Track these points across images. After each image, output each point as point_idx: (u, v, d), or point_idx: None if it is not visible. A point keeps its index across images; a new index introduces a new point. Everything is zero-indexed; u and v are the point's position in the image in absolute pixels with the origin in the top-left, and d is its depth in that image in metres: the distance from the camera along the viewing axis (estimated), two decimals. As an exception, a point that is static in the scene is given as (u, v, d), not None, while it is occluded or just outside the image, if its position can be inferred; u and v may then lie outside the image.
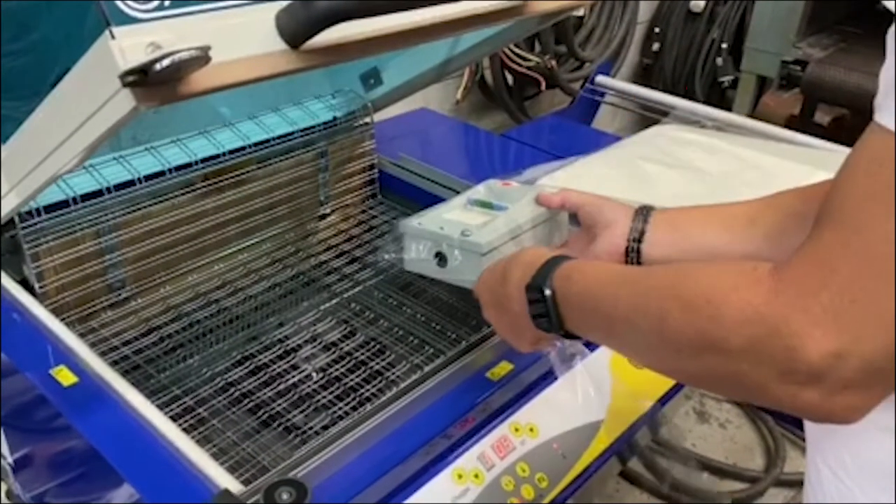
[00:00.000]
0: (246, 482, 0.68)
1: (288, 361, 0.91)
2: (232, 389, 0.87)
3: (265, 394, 0.86)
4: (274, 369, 0.90)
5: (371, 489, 0.72)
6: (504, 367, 0.86)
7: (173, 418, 0.80)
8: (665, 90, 1.94)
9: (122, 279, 0.98)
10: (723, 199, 1.13)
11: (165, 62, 0.51)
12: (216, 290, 1.04)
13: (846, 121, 2.65)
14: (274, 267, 1.09)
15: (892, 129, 0.42)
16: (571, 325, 0.64)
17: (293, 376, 0.89)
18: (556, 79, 2.02)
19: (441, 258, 0.89)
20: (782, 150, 1.32)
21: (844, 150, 1.33)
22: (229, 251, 1.08)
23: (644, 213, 0.81)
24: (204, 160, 1.01)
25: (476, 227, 0.88)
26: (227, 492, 0.66)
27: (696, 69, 2.60)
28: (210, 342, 0.95)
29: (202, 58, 0.53)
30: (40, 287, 0.90)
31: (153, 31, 0.54)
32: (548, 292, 0.64)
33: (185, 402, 0.84)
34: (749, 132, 1.42)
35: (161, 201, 0.98)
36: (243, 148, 1.05)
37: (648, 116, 1.55)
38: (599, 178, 1.19)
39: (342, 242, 1.16)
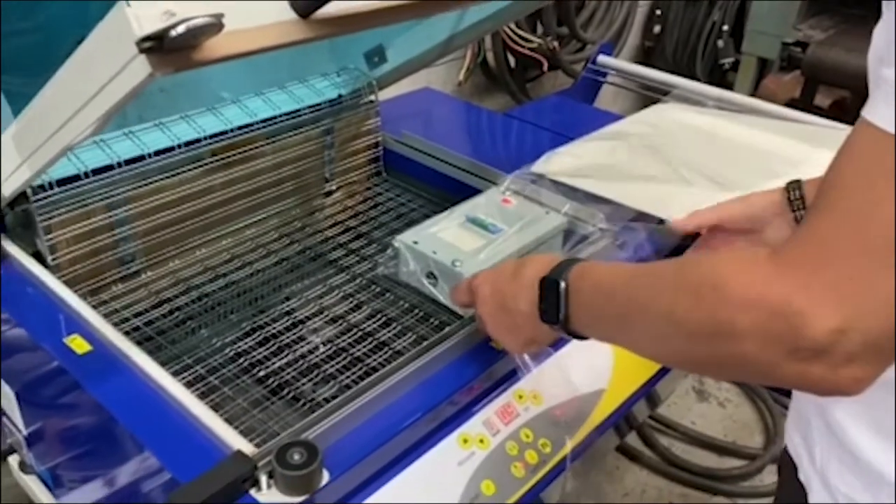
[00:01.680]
0: (258, 445, 0.70)
1: (295, 333, 0.93)
2: (241, 359, 0.88)
3: (273, 363, 0.88)
4: (282, 340, 0.91)
5: (379, 452, 0.74)
6: (508, 337, 0.87)
7: (185, 386, 0.82)
8: (666, 72, 1.95)
9: (132, 253, 1.00)
10: (725, 178, 1.16)
11: (180, 28, 0.53)
12: (224, 264, 1.06)
13: (846, 103, 2.66)
14: (281, 242, 1.11)
15: (877, 124, 0.44)
16: (578, 322, 0.66)
17: (301, 347, 0.91)
18: (557, 60, 2.03)
19: (433, 278, 0.93)
20: (784, 129, 1.33)
21: (846, 129, 1.34)
22: (237, 226, 1.10)
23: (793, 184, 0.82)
24: (212, 136, 1.02)
25: (467, 256, 0.92)
26: (239, 453, 0.67)
27: (697, 51, 2.61)
28: (219, 314, 0.97)
29: (216, 25, 0.54)
30: (53, 259, 0.92)
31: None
32: (562, 285, 0.65)
33: (196, 371, 0.86)
34: (750, 110, 1.43)
35: (171, 176, 1.00)
36: (251, 124, 1.07)
37: (650, 96, 1.56)
38: (598, 158, 1.21)
39: (348, 219, 1.18)
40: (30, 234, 0.92)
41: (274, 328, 0.93)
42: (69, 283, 0.92)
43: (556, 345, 0.88)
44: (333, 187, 1.22)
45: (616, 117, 1.41)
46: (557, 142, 1.26)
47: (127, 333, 0.91)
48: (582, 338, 0.69)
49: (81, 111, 0.63)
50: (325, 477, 0.68)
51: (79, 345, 0.82)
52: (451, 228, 0.99)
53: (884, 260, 0.43)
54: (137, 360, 0.78)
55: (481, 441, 0.80)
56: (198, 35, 0.54)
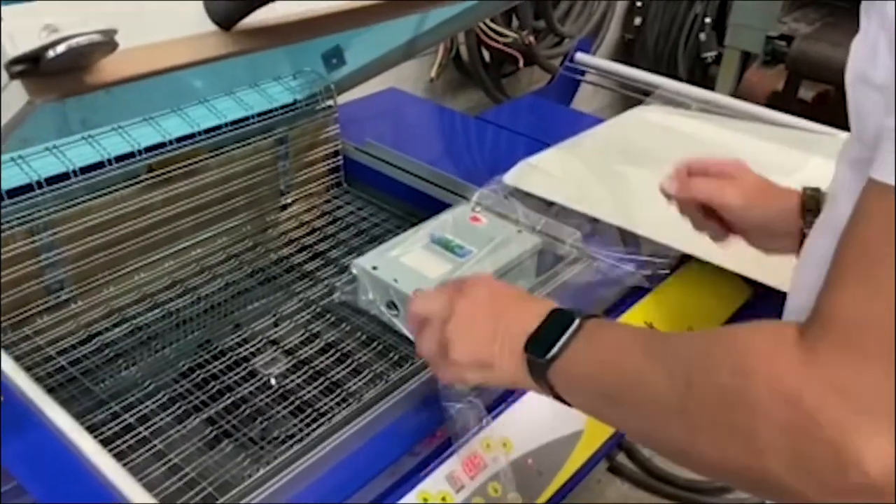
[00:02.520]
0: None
1: (240, 371, 0.84)
2: (177, 404, 0.79)
3: (212, 408, 0.79)
4: (224, 381, 0.82)
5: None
6: (474, 378, 0.79)
7: (111, 438, 0.73)
8: (647, 67, 1.87)
9: (60, 280, 0.90)
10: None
11: (60, 48, 0.43)
12: (165, 290, 0.96)
13: (829, 96, 2.60)
14: (229, 264, 1.01)
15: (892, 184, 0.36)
16: (566, 372, 0.55)
17: (246, 388, 0.81)
18: (534, 55, 1.94)
19: (394, 308, 0.85)
20: (773, 134, 1.26)
21: (837, 134, 1.25)
22: (180, 247, 1.00)
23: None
24: (148, 149, 0.92)
25: (431, 285, 0.80)
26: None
27: (679, 45, 2.53)
28: (156, 350, 0.87)
29: (107, 43, 0.45)
30: (-34, 292, 0.82)
31: (51, 10, 0.46)
32: (577, 321, 0.55)
33: (124, 420, 0.76)
34: (735, 113, 1.35)
35: (102, 195, 0.90)
36: (193, 135, 0.97)
37: (630, 96, 1.48)
38: (576, 168, 1.12)
39: (304, 236, 1.08)
40: (-63, 264, 0.82)
41: (217, 366, 0.84)
42: (-14, 318, 0.82)
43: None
44: (289, 201, 1.13)
45: (595, 120, 1.33)
46: (533, 148, 1.18)
47: (49, 375, 0.82)
48: (551, 394, 0.57)
49: None
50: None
51: (-13, 394, 0.72)
52: (414, 251, 0.90)
53: None
54: (50, 413, 0.69)
55: (443, 499, 0.71)
56: (86, 55, 0.45)
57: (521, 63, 1.92)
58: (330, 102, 1.12)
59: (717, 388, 0.41)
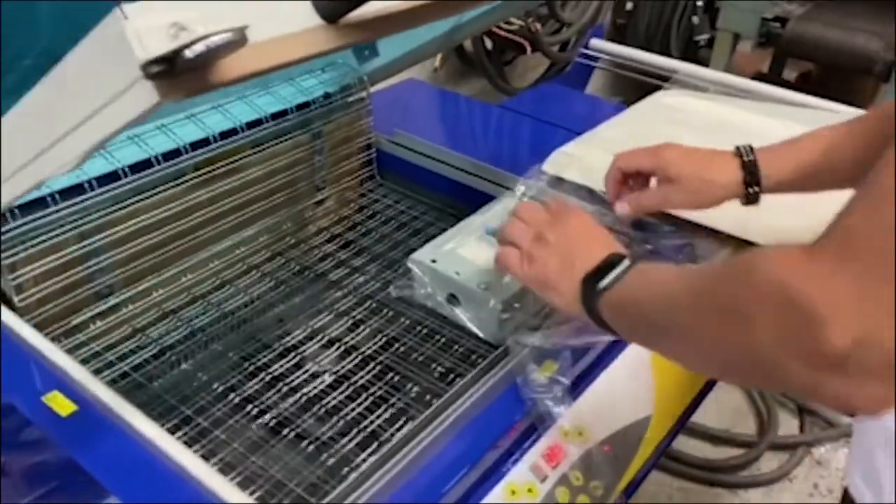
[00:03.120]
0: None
1: (310, 369, 0.83)
2: (250, 405, 0.78)
3: (286, 409, 0.78)
4: (292, 380, 0.81)
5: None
6: (549, 367, 0.79)
7: (186, 443, 0.71)
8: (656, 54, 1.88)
9: (110, 285, 0.88)
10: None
11: (198, 48, 0.42)
12: (215, 290, 0.94)
13: (812, 76, 2.64)
14: (275, 262, 1.00)
15: None
16: (611, 314, 0.66)
17: (315, 386, 0.80)
18: (539, 43, 1.93)
19: (454, 300, 0.84)
20: (796, 115, 1.27)
21: (853, 112, 1.28)
22: (224, 246, 0.98)
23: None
24: (193, 145, 0.91)
25: (494, 277, 0.83)
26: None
27: (672, 28, 2.54)
28: (218, 352, 0.86)
29: (239, 42, 0.44)
30: (20, 300, 0.80)
31: (172, 8, 0.44)
32: (626, 261, 0.67)
33: (198, 424, 0.75)
34: (754, 95, 1.36)
35: (149, 196, 0.88)
36: (235, 131, 0.95)
37: (646, 81, 1.49)
38: (611, 155, 1.12)
39: (345, 231, 1.07)
40: (-12, 273, 0.80)
41: (282, 365, 0.83)
42: (39, 326, 0.80)
43: (595, 373, 0.80)
44: (325, 196, 1.11)
45: (615, 106, 1.33)
46: (560, 135, 1.18)
47: (113, 382, 0.80)
48: (598, 322, 0.67)
49: (62, 142, 0.51)
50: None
51: (61, 404, 0.70)
52: (469, 243, 0.89)
53: None
54: (133, 422, 0.67)
55: (530, 490, 0.71)
56: (216, 54, 0.44)
57: (528, 50, 1.92)
58: (363, 94, 1.11)
59: (727, 280, 0.49)
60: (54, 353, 0.73)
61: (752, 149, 0.83)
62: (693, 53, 2.59)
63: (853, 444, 0.67)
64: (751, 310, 0.44)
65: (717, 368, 0.57)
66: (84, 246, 0.84)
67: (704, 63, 2.49)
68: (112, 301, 0.89)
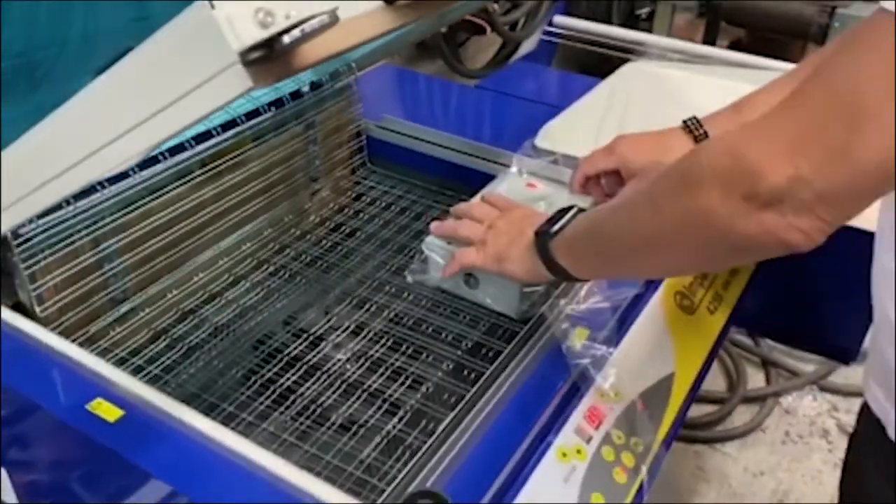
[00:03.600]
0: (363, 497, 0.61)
1: (343, 356, 0.83)
2: (290, 395, 0.78)
3: (329, 396, 0.78)
4: (329, 367, 0.81)
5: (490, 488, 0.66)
6: (582, 334, 0.81)
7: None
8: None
9: (124, 289, 0.86)
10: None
11: (295, 33, 0.42)
12: (230, 287, 0.93)
13: (742, 43, 2.74)
14: (285, 255, 0.99)
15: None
16: (566, 252, 0.70)
17: (353, 372, 0.81)
18: (495, 23, 1.95)
19: (472, 280, 0.85)
20: (756, 77, 1.32)
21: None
22: (232, 242, 0.97)
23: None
24: (195, 138, 0.89)
25: None
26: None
27: (613, 2, 2.59)
28: (242, 344, 0.85)
29: (330, 25, 0.44)
30: (41, 311, 0.77)
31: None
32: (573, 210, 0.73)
33: (244, 420, 0.75)
34: (718, 62, 1.42)
35: (159, 196, 0.86)
36: (234, 122, 0.94)
37: (608, 55, 1.52)
38: (599, 126, 1.15)
39: (348, 220, 1.07)
40: (7, 284, 0.77)
41: (315, 355, 0.83)
42: (62, 336, 0.78)
43: (620, 335, 0.83)
44: (321, 186, 1.11)
45: (590, 81, 1.36)
46: (542, 111, 1.20)
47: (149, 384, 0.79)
48: (554, 269, 0.72)
49: (131, 133, 0.50)
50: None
51: (107, 410, 0.69)
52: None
53: (852, 118, 0.44)
54: (186, 419, 0.67)
55: (578, 452, 0.74)
56: (307, 38, 0.44)
57: (488, 31, 1.93)
58: (351, 81, 1.11)
59: (678, 166, 0.54)
60: (93, 361, 0.71)
61: (699, 122, 0.85)
62: (634, 26, 2.65)
63: (868, 365, 0.70)
64: (700, 174, 0.50)
65: (679, 253, 0.59)
66: (99, 251, 0.82)
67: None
68: (128, 305, 0.87)
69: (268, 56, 0.42)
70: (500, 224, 0.79)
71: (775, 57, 1.49)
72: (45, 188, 0.58)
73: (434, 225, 0.84)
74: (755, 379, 2.06)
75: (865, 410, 0.70)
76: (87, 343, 0.82)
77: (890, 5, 0.44)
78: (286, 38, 0.42)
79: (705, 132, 0.84)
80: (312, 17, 0.42)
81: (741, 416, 1.97)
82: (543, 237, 0.72)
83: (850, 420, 1.91)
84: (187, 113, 0.46)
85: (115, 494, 0.71)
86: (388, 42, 1.10)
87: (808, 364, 2.04)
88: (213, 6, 0.42)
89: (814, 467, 1.81)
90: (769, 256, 0.51)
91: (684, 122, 0.86)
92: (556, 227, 0.72)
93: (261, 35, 0.42)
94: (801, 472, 1.81)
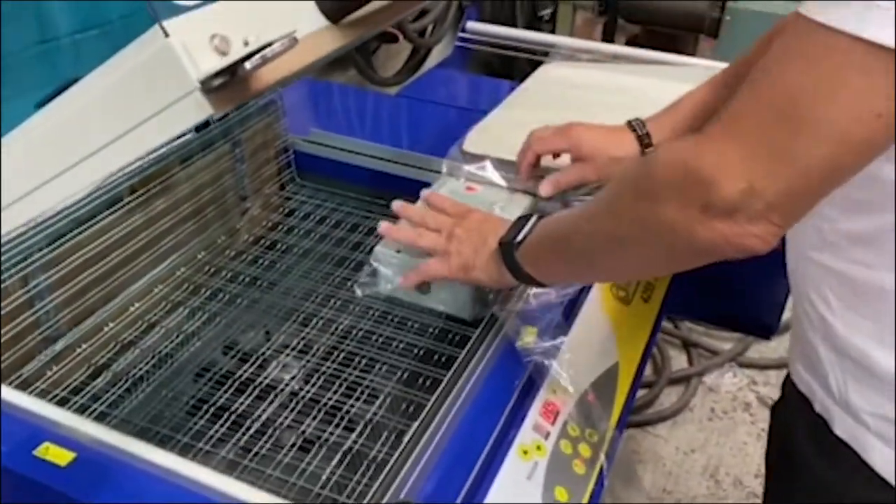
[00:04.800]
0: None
1: (297, 374, 0.82)
2: (245, 421, 0.77)
3: (289, 417, 0.77)
4: (281, 388, 0.80)
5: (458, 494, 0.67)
6: (531, 332, 0.83)
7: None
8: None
9: (58, 326, 0.83)
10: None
11: (256, 59, 0.42)
12: (168, 314, 0.91)
13: (639, 40, 2.85)
14: (221, 276, 0.97)
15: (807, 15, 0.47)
16: (532, 259, 0.72)
17: (306, 390, 0.80)
18: (406, 30, 1.96)
19: (424, 286, 0.85)
20: (660, 72, 1.38)
21: (698, 62, 1.42)
22: (166, 269, 0.95)
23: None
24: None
25: None
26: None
27: (516, 4, 2.64)
28: (187, 372, 0.83)
29: (290, 48, 0.44)
30: (-28, 357, 0.74)
31: (206, 19, 0.44)
32: (534, 218, 0.75)
33: (202, 449, 0.73)
34: (627, 59, 1.47)
35: (89, 227, 0.83)
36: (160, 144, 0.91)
37: (522, 58, 1.56)
38: (524, 127, 1.18)
39: (283, 237, 1.06)
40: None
41: (265, 377, 0.82)
42: (-4, 381, 0.74)
43: (565, 330, 0.86)
44: (251, 204, 1.09)
45: (509, 84, 1.39)
46: (466, 116, 1.21)
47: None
48: (521, 275, 0.74)
49: (87, 161, 0.48)
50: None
51: (57, 454, 0.66)
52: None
53: (791, 127, 0.47)
54: (142, 454, 0.65)
55: (538, 448, 0.76)
56: (267, 62, 0.44)
57: (399, 38, 1.94)
58: (275, 96, 1.10)
59: (632, 177, 0.57)
60: (36, 405, 0.68)
61: (643, 122, 0.90)
62: (537, 27, 2.71)
63: (792, 346, 0.73)
64: (656, 187, 0.53)
65: (644, 258, 0.62)
66: (29, 290, 0.78)
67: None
68: (64, 342, 0.83)
69: (227, 83, 0.42)
70: (459, 233, 0.80)
71: (671, 51, 1.57)
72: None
73: (384, 227, 0.84)
74: (678, 360, 2.15)
75: (790, 384, 0.74)
76: (23, 386, 0.78)
77: (807, 7, 0.47)
78: (248, 65, 0.41)
79: (648, 133, 0.89)
80: (273, 42, 0.42)
81: (668, 397, 2.05)
82: (508, 247, 0.74)
83: (768, 392, 2.02)
84: (147, 140, 0.45)
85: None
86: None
87: (725, 342, 2.14)
88: (166, 34, 0.42)
89: (739, 440, 1.90)
90: (730, 258, 0.53)
91: (629, 122, 0.90)
92: (520, 236, 0.74)
93: (220, 63, 0.41)
94: (729, 445, 1.89)
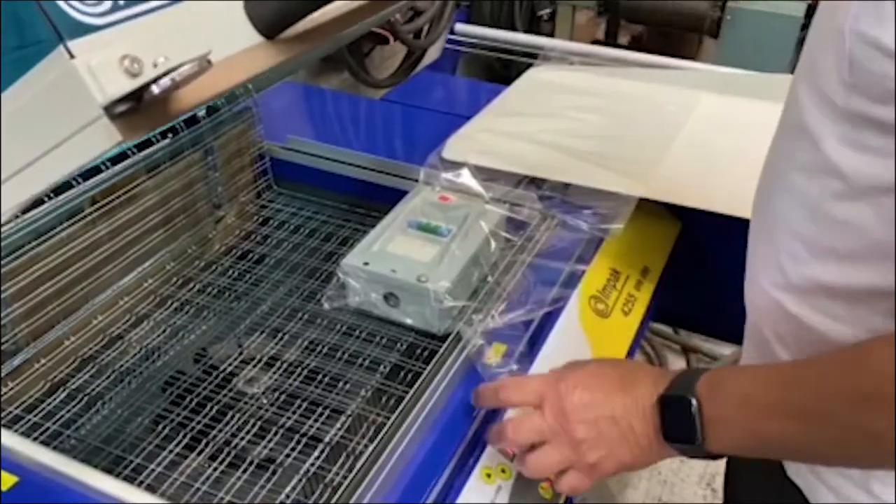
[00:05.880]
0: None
1: (259, 389, 0.80)
2: (203, 438, 0.75)
3: (247, 436, 0.75)
4: (244, 405, 0.78)
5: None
6: (498, 350, 0.81)
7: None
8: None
9: (16, 341, 0.81)
10: (623, 133, 1.15)
11: (164, 82, 0.40)
12: (132, 328, 0.89)
13: (642, 38, 2.82)
14: (189, 288, 0.95)
15: None
16: (718, 441, 0.56)
17: (265, 409, 0.78)
18: (398, 32, 1.93)
19: (392, 299, 0.84)
20: (661, 76, 1.35)
21: (716, 69, 1.40)
22: (132, 280, 0.93)
23: None
24: (83, 175, 0.85)
25: (430, 268, 0.84)
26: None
27: (515, 5, 2.61)
28: (146, 389, 0.81)
29: (203, 70, 0.42)
30: (-79, 374, 0.72)
31: (116, 39, 0.42)
32: (693, 402, 0.56)
33: (150, 470, 0.71)
34: (618, 63, 1.44)
35: (47, 238, 0.82)
36: (125, 155, 0.90)
37: (511, 60, 1.53)
38: (506, 133, 1.15)
39: (255, 247, 1.04)
40: None
41: (226, 394, 0.80)
42: (-53, 398, 0.73)
43: (533, 351, 0.83)
44: (225, 213, 1.07)
45: (495, 88, 1.36)
46: (449, 121, 1.19)
47: (46, 443, 0.74)
48: (716, 456, 0.59)
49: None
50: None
51: None
52: (396, 239, 0.89)
53: None
54: (86, 479, 0.63)
55: (503, 471, 0.73)
56: (179, 85, 0.42)
57: (391, 40, 1.91)
58: (250, 102, 1.08)
59: (848, 368, 0.47)
60: (-22, 426, 0.67)
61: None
62: (537, 28, 2.68)
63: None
64: (883, 429, 0.44)
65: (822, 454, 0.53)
66: (-17, 302, 0.77)
67: (548, 36, 2.58)
68: (21, 357, 0.82)
69: (136, 108, 0.40)
70: (578, 435, 0.63)
71: (673, 50, 1.53)
72: None
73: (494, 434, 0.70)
74: (676, 365, 2.12)
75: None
76: (-23, 403, 0.77)
77: None
78: (155, 88, 0.39)
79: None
80: (182, 64, 0.40)
81: (665, 403, 2.02)
82: (691, 451, 0.58)
83: (766, 399, 1.98)
84: (52, 170, 0.43)
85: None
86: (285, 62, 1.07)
87: (724, 347, 2.11)
88: (71, 55, 0.40)
89: (736, 448, 1.87)
90: None
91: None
92: (698, 441, 0.56)
93: (129, 85, 0.39)
94: (725, 454, 1.86)
